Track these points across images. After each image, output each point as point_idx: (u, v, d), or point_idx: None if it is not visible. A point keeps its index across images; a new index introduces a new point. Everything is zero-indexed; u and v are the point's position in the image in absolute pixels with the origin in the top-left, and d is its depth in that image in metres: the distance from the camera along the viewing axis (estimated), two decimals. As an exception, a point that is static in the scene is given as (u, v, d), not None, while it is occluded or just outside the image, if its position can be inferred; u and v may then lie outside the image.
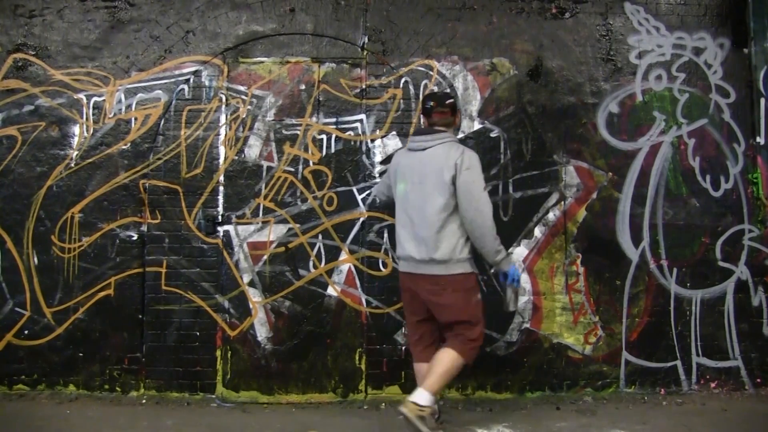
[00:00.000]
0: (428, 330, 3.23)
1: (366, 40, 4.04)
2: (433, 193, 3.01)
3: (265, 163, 3.97)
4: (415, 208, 3.07)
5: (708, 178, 4.05)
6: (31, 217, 3.92)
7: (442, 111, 3.17)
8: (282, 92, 4.00)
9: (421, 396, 2.96)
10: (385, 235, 3.94)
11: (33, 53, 4.00)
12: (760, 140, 4.06)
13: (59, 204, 3.92)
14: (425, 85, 4.01)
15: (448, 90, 4.01)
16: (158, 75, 4.00)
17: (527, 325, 3.89)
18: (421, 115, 3.30)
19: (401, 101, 4.00)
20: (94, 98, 3.98)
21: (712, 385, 3.96)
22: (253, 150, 3.97)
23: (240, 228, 3.93)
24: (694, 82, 4.09)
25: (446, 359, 3.01)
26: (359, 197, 3.95)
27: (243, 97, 3.99)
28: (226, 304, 3.90)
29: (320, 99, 4.00)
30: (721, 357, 3.98)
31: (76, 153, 3.95)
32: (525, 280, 3.91)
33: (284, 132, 3.98)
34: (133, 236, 3.92)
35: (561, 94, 4.05)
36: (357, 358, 3.90)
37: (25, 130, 3.96)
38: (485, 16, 4.08)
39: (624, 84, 4.08)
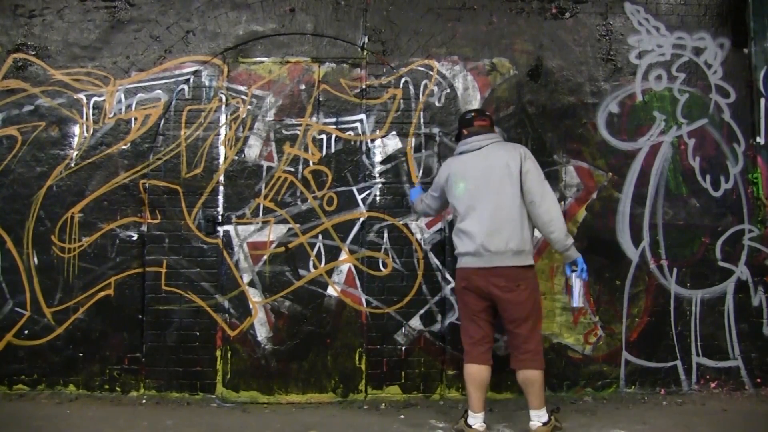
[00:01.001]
0: (490, 332, 3.21)
1: (366, 40, 4.04)
2: (503, 185, 3.09)
3: (265, 163, 3.97)
4: (487, 200, 3.10)
5: (708, 178, 4.06)
6: (31, 217, 3.92)
7: (483, 119, 3.31)
8: (282, 92, 4.00)
9: (542, 415, 3.11)
10: (385, 235, 3.94)
11: (33, 53, 4.01)
12: (760, 140, 4.06)
13: (59, 204, 3.93)
14: (425, 85, 4.01)
15: (449, 90, 4.01)
16: (158, 75, 4.00)
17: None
18: (463, 130, 3.34)
19: (401, 101, 4.00)
20: (94, 98, 3.98)
21: (712, 385, 3.96)
22: (253, 150, 3.97)
23: (240, 228, 3.93)
24: (694, 82, 4.10)
25: (538, 378, 3.10)
26: (359, 197, 3.95)
27: (243, 97, 3.99)
28: (226, 304, 3.90)
29: (320, 99, 4.00)
30: (721, 357, 3.98)
31: (76, 153, 3.95)
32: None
33: (284, 132, 3.98)
34: (133, 236, 3.93)
35: (561, 94, 4.05)
36: (357, 358, 3.90)
37: (25, 130, 3.96)
38: (485, 16, 4.08)
39: (624, 84, 4.08)
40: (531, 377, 3.09)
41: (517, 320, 3.09)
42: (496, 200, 3.08)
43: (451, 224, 3.93)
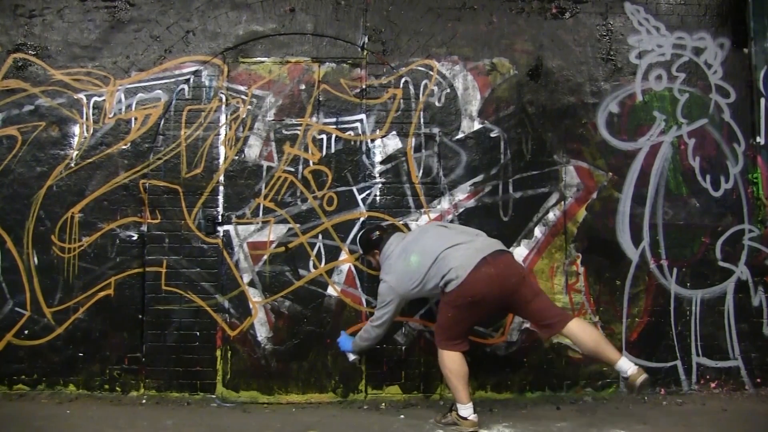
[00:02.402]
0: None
1: (366, 40, 4.04)
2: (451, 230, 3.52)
3: (265, 163, 3.97)
4: (453, 231, 3.46)
5: (708, 178, 4.06)
6: (31, 217, 3.92)
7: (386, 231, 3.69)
8: (282, 92, 4.00)
9: (627, 362, 3.17)
10: (385, 235, 3.93)
11: (33, 53, 4.01)
12: (760, 140, 4.06)
13: (59, 204, 3.92)
14: (425, 85, 4.01)
15: (449, 90, 4.01)
16: (158, 75, 4.00)
17: (527, 325, 3.89)
18: (373, 252, 3.67)
19: (401, 101, 4.00)
20: (94, 98, 3.98)
21: (712, 385, 3.96)
22: (253, 150, 3.97)
23: (240, 228, 3.93)
24: (694, 82, 4.10)
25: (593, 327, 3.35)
26: (359, 197, 3.95)
27: (243, 97, 3.99)
28: (226, 304, 3.90)
29: (320, 99, 4.00)
30: (721, 357, 3.98)
31: (76, 153, 3.95)
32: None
33: (284, 132, 3.98)
34: (133, 236, 3.92)
35: (561, 94, 4.05)
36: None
37: (25, 130, 3.96)
38: (485, 16, 4.08)
39: (624, 84, 4.08)
40: (592, 329, 3.28)
41: (534, 295, 3.25)
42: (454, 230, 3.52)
43: (451, 223, 3.94)
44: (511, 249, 3.88)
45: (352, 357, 3.68)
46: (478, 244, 3.29)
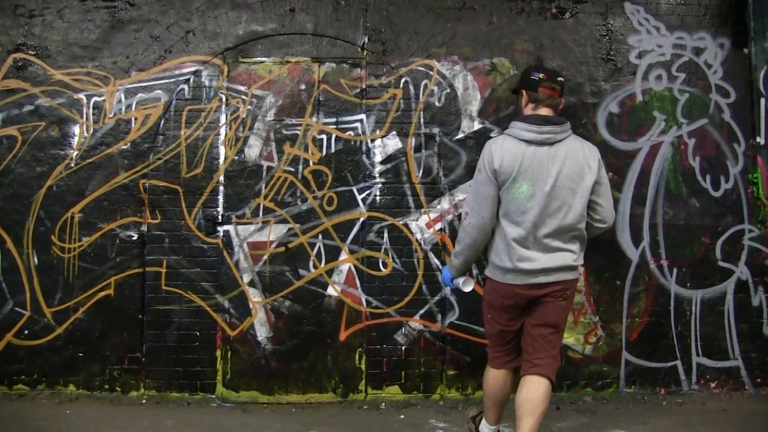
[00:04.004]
0: (518, 339, 2.85)
1: (366, 40, 4.04)
2: (574, 199, 2.66)
3: (265, 163, 3.97)
4: (549, 214, 2.64)
5: (708, 178, 4.05)
6: (31, 217, 3.92)
7: (553, 87, 2.70)
8: (282, 92, 4.00)
9: None
10: (385, 235, 3.94)
11: (33, 53, 4.00)
12: (760, 140, 4.06)
13: (59, 204, 3.92)
14: (425, 85, 4.01)
15: (449, 90, 4.01)
16: (158, 75, 4.00)
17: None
18: (525, 94, 2.76)
19: (401, 101, 4.00)
20: (94, 98, 3.98)
21: (712, 385, 3.96)
22: (253, 150, 3.97)
23: (240, 228, 3.93)
24: (694, 82, 4.09)
25: (546, 395, 2.71)
26: (359, 197, 3.95)
27: (243, 97, 3.99)
28: (226, 304, 3.90)
29: (320, 99, 4.00)
30: (721, 357, 3.98)
31: (76, 153, 3.95)
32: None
33: (284, 132, 3.98)
34: (133, 236, 3.92)
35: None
36: (357, 358, 3.90)
37: (25, 130, 3.96)
38: (485, 16, 4.08)
39: (624, 84, 4.08)
40: (541, 392, 2.71)
41: (553, 325, 2.75)
42: (563, 217, 2.65)
43: (451, 225, 3.94)
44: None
45: (465, 287, 2.91)
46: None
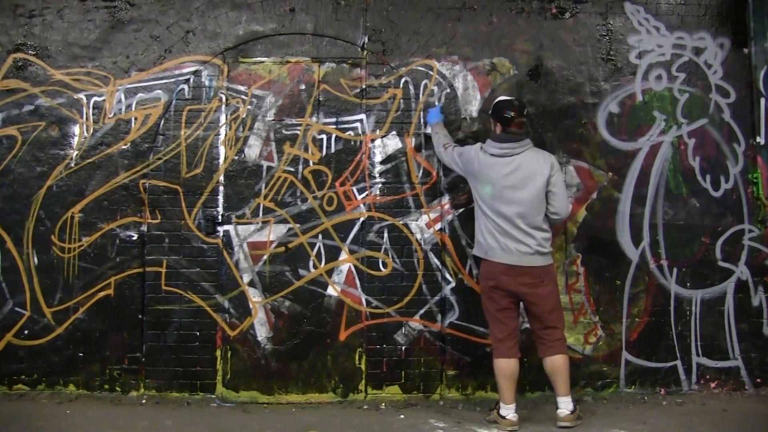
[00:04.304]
0: (516, 326, 3.45)
1: (366, 40, 4.04)
2: (534, 195, 3.32)
3: (265, 163, 3.97)
4: (517, 208, 3.31)
5: (708, 178, 4.05)
6: (31, 217, 3.92)
7: (521, 121, 3.43)
8: (282, 92, 4.00)
9: (569, 403, 3.34)
10: (385, 234, 3.94)
11: (33, 53, 4.00)
12: (760, 140, 4.06)
13: (59, 204, 3.92)
14: (425, 85, 4.01)
15: (449, 90, 4.01)
16: (158, 75, 4.00)
17: (527, 325, 3.88)
18: (496, 123, 3.47)
19: (401, 101, 4.00)
20: (94, 98, 3.98)
21: (712, 385, 3.96)
22: (253, 150, 3.97)
23: (240, 228, 3.93)
24: (694, 82, 4.09)
25: (566, 363, 3.36)
26: (359, 197, 3.95)
27: (243, 97, 3.99)
28: (226, 304, 3.90)
29: (320, 99, 4.00)
30: (721, 357, 3.98)
31: (76, 153, 3.95)
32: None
33: (284, 132, 3.98)
34: (133, 236, 3.92)
35: (561, 94, 4.05)
36: (357, 358, 3.90)
37: (25, 130, 3.96)
38: (485, 16, 4.08)
39: (624, 84, 4.08)
40: (562, 363, 3.33)
41: (545, 312, 3.35)
42: (529, 209, 3.32)
43: (451, 224, 3.95)
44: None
45: (428, 130, 3.85)
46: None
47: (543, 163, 3.39)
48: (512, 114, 3.40)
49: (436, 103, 3.93)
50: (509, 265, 3.31)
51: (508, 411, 3.36)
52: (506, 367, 3.34)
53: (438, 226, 3.95)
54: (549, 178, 3.36)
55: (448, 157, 3.63)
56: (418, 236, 3.94)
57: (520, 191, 3.33)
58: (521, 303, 3.44)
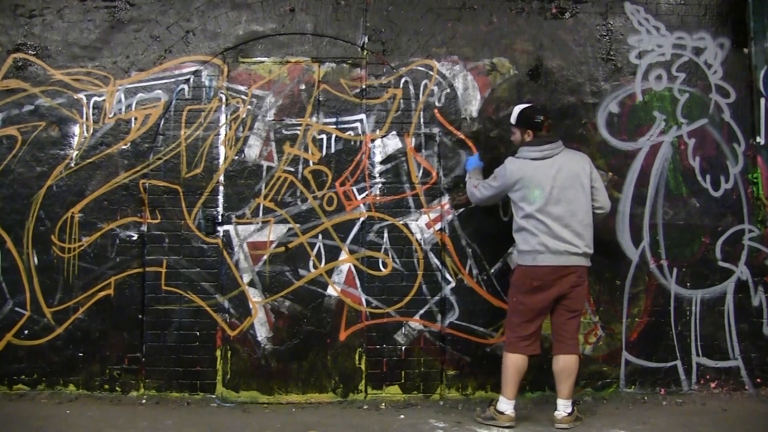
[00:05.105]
0: (541, 325, 3.45)
1: (366, 40, 4.04)
2: (577, 194, 3.37)
3: (265, 163, 3.97)
4: (566, 208, 3.34)
5: (708, 178, 4.05)
6: (31, 217, 3.92)
7: (550, 123, 3.52)
8: (282, 92, 4.00)
9: (568, 406, 3.36)
10: (385, 234, 3.94)
11: (33, 53, 4.01)
12: (760, 140, 4.06)
13: (59, 204, 3.92)
14: (425, 85, 4.01)
15: (449, 90, 4.01)
16: (158, 75, 4.00)
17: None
18: (526, 131, 3.47)
19: (401, 101, 4.00)
20: (94, 98, 3.98)
21: (712, 385, 3.96)
22: (253, 150, 3.97)
23: (240, 228, 3.93)
24: (694, 82, 4.09)
25: (577, 366, 3.39)
26: (359, 197, 3.95)
27: (243, 97, 3.99)
28: (226, 304, 3.90)
29: (320, 99, 4.00)
30: (721, 357, 3.98)
31: (76, 153, 3.95)
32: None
33: (284, 132, 3.98)
34: (133, 236, 3.92)
35: (561, 94, 4.05)
36: (357, 358, 3.90)
37: (25, 130, 3.96)
38: (485, 16, 4.08)
39: (624, 84, 4.08)
40: (573, 365, 3.36)
41: (576, 311, 3.40)
42: (571, 208, 3.34)
43: (451, 224, 3.94)
44: (510, 249, 3.88)
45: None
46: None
47: (582, 160, 3.46)
48: (542, 118, 3.45)
49: (474, 152, 3.91)
50: (559, 266, 3.31)
51: (508, 406, 3.37)
52: (521, 362, 3.36)
53: (438, 226, 3.95)
54: (591, 174, 3.43)
55: (483, 189, 3.55)
56: (418, 236, 3.94)
57: (570, 190, 3.35)
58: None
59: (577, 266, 3.35)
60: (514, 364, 3.36)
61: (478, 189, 3.58)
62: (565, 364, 3.35)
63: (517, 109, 3.54)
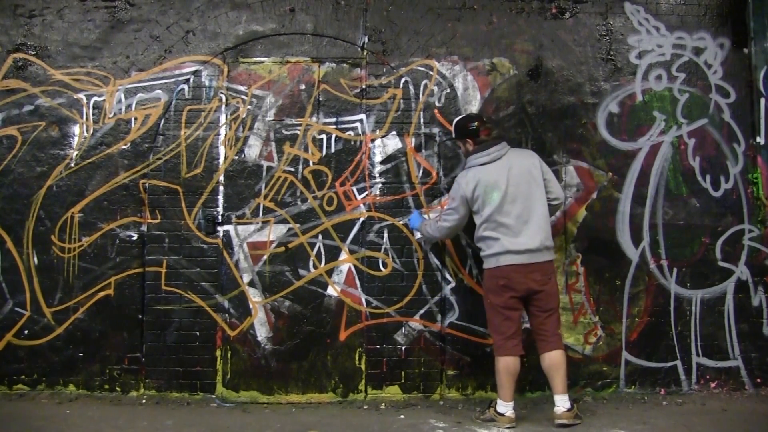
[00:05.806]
0: (521, 324, 3.50)
1: (366, 40, 4.04)
2: (535, 189, 3.43)
3: (265, 163, 3.97)
4: (523, 205, 3.39)
5: (708, 178, 4.05)
6: (31, 217, 3.92)
7: (486, 128, 3.56)
8: (282, 92, 4.00)
9: (566, 401, 3.36)
10: (385, 235, 3.94)
11: (33, 53, 4.01)
12: (760, 140, 4.06)
13: (59, 204, 3.93)
14: (425, 85, 4.01)
15: (449, 90, 4.01)
16: (158, 75, 4.00)
17: (527, 325, 3.88)
18: (466, 141, 3.54)
19: (401, 101, 4.00)
20: (94, 98, 3.98)
21: (712, 385, 3.96)
22: (253, 150, 3.97)
23: (240, 228, 3.94)
24: (694, 82, 4.09)
25: (564, 359, 3.41)
26: (359, 197, 3.95)
27: (243, 97, 3.99)
28: (226, 304, 3.90)
29: (320, 99, 4.00)
30: (721, 357, 3.98)
31: (76, 153, 3.95)
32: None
33: (284, 132, 3.98)
34: (133, 236, 3.93)
35: (561, 94, 4.05)
36: (357, 358, 3.90)
37: (25, 130, 3.96)
38: (485, 16, 4.08)
39: (624, 84, 4.08)
40: (559, 359, 3.37)
41: (549, 309, 3.41)
42: (533, 204, 3.40)
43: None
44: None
45: (418, 236, 3.87)
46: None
47: (531, 156, 3.53)
48: (476, 124, 3.52)
49: (413, 210, 3.91)
50: (521, 264, 3.35)
51: (507, 408, 3.39)
52: (512, 364, 3.37)
53: (438, 226, 3.95)
54: (541, 167, 3.48)
55: (447, 216, 3.56)
56: (418, 236, 3.94)
57: (525, 186, 3.40)
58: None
59: (541, 263, 3.38)
60: (505, 367, 3.37)
61: (442, 219, 3.59)
62: (551, 361, 3.37)
63: (454, 122, 3.64)
